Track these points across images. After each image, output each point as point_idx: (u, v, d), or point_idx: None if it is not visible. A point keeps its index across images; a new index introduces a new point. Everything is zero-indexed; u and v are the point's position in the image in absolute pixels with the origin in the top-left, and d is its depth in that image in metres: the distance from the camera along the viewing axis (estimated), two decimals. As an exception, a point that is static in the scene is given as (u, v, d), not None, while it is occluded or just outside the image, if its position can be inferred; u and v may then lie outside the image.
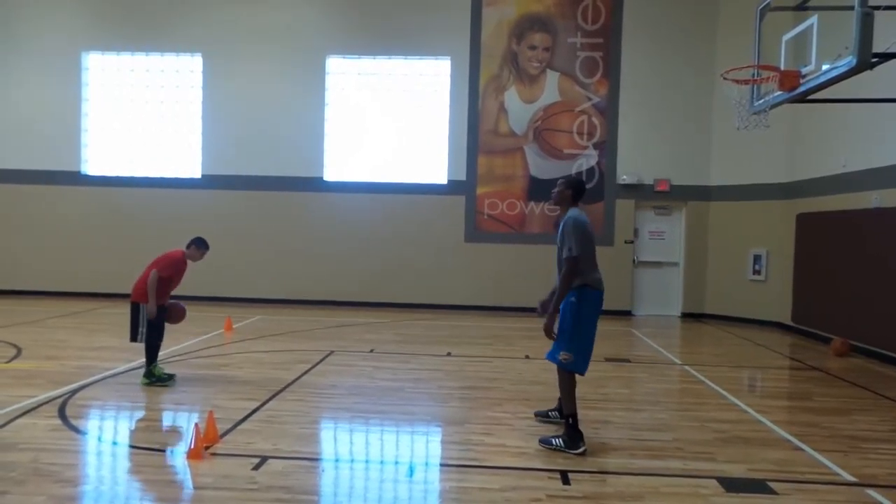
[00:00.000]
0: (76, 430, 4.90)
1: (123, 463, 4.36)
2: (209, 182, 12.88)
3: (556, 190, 5.08)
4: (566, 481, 4.12)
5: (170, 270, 6.19)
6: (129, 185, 13.00)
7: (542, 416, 5.41)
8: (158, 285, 6.10)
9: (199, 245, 6.35)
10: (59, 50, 12.96)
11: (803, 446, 4.93)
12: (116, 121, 13.20)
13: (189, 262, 6.36)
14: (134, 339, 6.20)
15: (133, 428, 5.15)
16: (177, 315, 6.52)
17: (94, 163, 13.26)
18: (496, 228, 12.69)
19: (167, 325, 6.44)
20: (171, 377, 6.29)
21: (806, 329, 10.45)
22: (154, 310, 6.07)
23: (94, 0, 12.93)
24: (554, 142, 12.60)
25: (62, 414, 5.21)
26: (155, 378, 6.19)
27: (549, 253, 12.41)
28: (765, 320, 11.52)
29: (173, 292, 6.45)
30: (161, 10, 12.82)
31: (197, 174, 13.01)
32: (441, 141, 12.83)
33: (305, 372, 6.93)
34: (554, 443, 4.70)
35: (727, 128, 10.98)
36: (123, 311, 11.38)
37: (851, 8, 5.54)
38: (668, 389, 6.80)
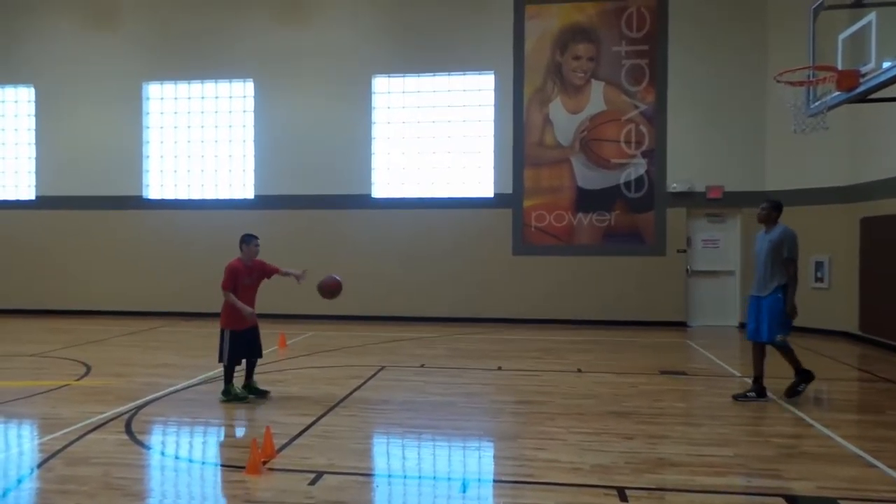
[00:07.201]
0: (142, 444, 5.10)
1: (185, 477, 4.50)
2: (262, 202, 13.26)
3: None
4: (623, 498, 4.03)
5: (230, 282, 6.36)
6: (186, 208, 13.52)
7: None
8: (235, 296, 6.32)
9: (245, 241, 6.51)
10: (121, 82, 13.64)
11: (877, 463, 4.67)
12: (174, 146, 13.79)
13: (248, 261, 6.48)
14: (219, 360, 6.41)
15: (194, 443, 5.32)
16: (329, 289, 6.59)
17: (155, 187, 13.86)
18: (544, 241, 12.60)
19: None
20: (246, 396, 6.39)
21: (876, 338, 9.93)
22: (250, 312, 6.33)
23: (153, 34, 13.60)
24: (601, 152, 12.46)
25: (129, 429, 5.42)
26: (232, 396, 6.34)
27: (599, 265, 12.39)
28: (830, 329, 11.01)
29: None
30: (214, 40, 13.36)
31: (250, 195, 13.43)
32: (487, 155, 12.86)
33: (358, 387, 7.01)
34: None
35: (782, 131, 10.61)
36: (184, 330, 11.91)
37: (913, 2, 5.31)
38: (727, 403, 6.56)
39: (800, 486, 4.25)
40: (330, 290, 6.61)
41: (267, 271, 6.67)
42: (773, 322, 6.31)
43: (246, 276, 6.46)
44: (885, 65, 5.90)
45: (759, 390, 6.48)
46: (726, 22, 12.09)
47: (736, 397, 6.52)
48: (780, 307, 6.30)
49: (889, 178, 9.62)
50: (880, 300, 9.77)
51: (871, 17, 6.25)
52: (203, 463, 4.79)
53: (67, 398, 6.50)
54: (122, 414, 5.87)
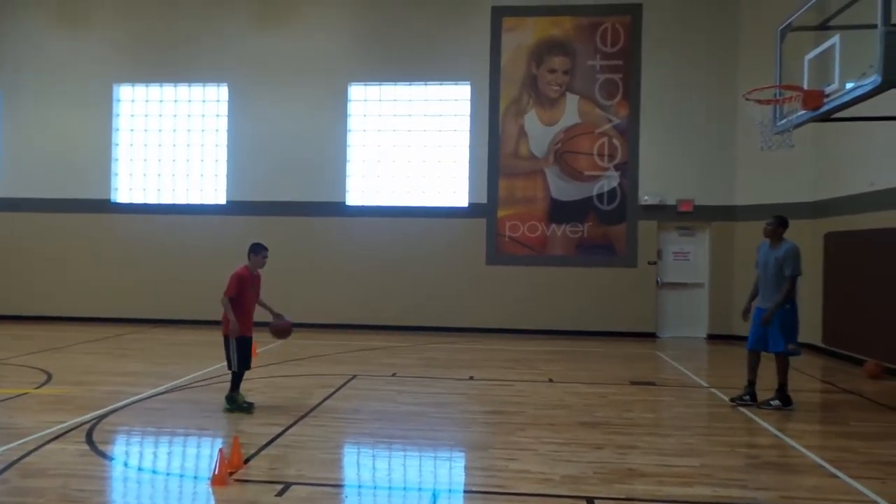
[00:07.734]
0: (104, 455, 4.96)
1: (149, 489, 4.39)
2: (234, 208, 13.09)
3: None
4: (592, 509, 4.04)
5: (233, 289, 6.27)
6: (156, 213, 13.27)
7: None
8: (233, 306, 6.23)
9: (254, 250, 6.47)
10: (92, 82, 13.38)
11: (838, 473, 4.78)
12: (145, 150, 13.55)
13: (254, 271, 6.47)
14: (229, 367, 6.34)
15: (159, 454, 5.19)
16: (281, 331, 6.67)
17: (124, 191, 13.59)
18: (518, 251, 12.67)
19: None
20: (250, 406, 6.27)
21: (837, 351, 10.19)
22: (236, 328, 6.18)
23: (126, 34, 13.38)
24: (575, 164, 12.60)
25: (90, 439, 5.27)
26: (236, 405, 6.22)
27: (571, 275, 12.48)
28: (794, 342, 11.24)
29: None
30: (189, 43, 13.20)
31: (222, 200, 13.25)
32: (462, 164, 12.91)
33: (328, 396, 6.94)
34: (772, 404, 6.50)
35: (751, 147, 10.87)
36: (150, 336, 11.66)
37: (874, 26, 5.49)
38: (695, 413, 6.66)
39: (764, 495, 4.32)
40: (278, 332, 6.68)
41: (258, 290, 6.60)
42: (784, 333, 6.61)
43: (251, 284, 6.44)
44: (848, 85, 6.08)
45: (753, 394, 6.79)
46: (699, 39, 12.36)
47: (733, 400, 6.89)
48: (789, 318, 6.65)
49: (851, 194, 9.91)
50: (842, 314, 10.03)
51: (835, 39, 6.44)
52: (167, 474, 4.68)
53: (25, 407, 6.29)
54: (83, 423, 5.70)
